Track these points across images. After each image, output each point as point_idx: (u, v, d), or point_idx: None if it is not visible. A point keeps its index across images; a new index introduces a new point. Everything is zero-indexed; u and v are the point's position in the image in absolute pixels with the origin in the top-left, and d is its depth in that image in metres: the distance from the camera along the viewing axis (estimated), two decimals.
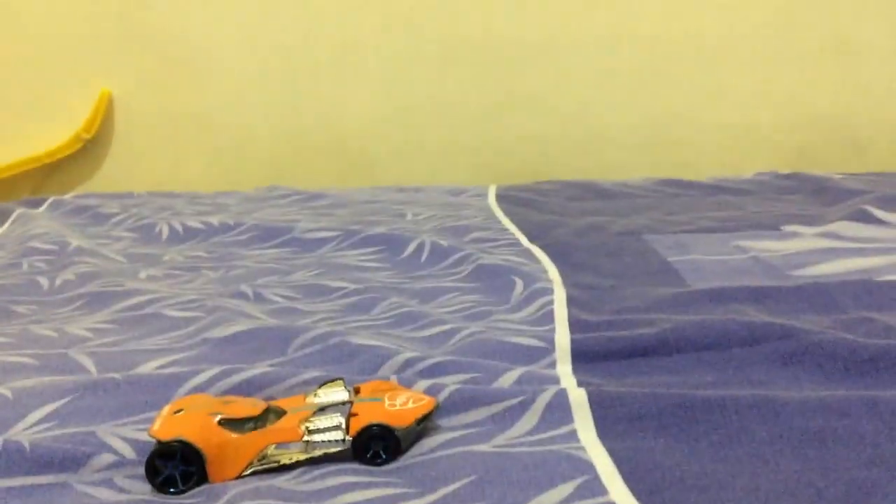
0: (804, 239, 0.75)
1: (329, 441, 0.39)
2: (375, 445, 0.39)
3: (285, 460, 0.39)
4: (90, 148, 1.28)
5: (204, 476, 0.38)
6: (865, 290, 0.59)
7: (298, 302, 0.65)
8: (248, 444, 0.39)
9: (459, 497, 0.35)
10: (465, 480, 0.36)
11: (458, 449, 0.39)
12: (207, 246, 0.83)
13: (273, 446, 0.39)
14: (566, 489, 0.35)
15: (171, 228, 0.89)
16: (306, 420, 0.40)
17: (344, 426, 0.39)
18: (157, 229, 0.89)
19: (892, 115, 1.33)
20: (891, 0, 1.31)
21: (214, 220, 0.89)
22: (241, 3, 1.26)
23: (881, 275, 0.63)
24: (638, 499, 0.34)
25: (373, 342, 0.52)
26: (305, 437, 0.39)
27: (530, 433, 0.41)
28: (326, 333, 0.54)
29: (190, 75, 1.27)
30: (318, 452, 0.39)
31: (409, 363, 0.49)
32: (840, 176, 1.05)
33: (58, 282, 0.72)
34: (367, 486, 0.36)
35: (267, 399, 0.43)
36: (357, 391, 0.43)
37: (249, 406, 0.41)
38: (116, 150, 1.29)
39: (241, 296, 0.66)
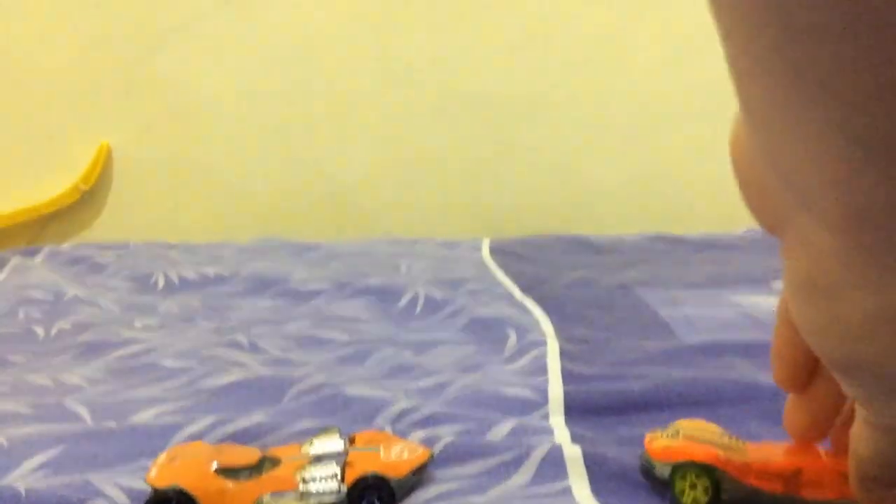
0: None
1: (324, 492, 0.39)
2: (370, 496, 0.39)
3: None
4: (88, 199, 1.29)
5: None
6: None
7: (292, 352, 0.65)
8: (243, 492, 0.39)
9: None
10: None
11: (454, 501, 0.40)
12: (202, 296, 0.84)
13: (268, 495, 0.40)
14: None
15: (167, 278, 0.90)
16: (301, 469, 0.40)
17: (339, 476, 0.39)
18: (152, 279, 0.90)
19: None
20: None
21: (210, 271, 0.90)
22: (239, 59, 1.29)
23: None
24: None
25: (368, 392, 0.52)
26: (300, 487, 0.39)
27: (525, 487, 0.41)
28: (321, 384, 0.54)
29: (188, 128, 1.30)
30: (312, 502, 0.39)
31: (403, 413, 0.49)
32: None
33: (53, 331, 0.73)
34: None
35: (262, 448, 0.44)
36: (352, 441, 0.43)
37: (245, 454, 0.42)
38: (114, 200, 1.30)
39: (236, 346, 0.66)
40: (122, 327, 0.73)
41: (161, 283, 0.89)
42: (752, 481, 0.36)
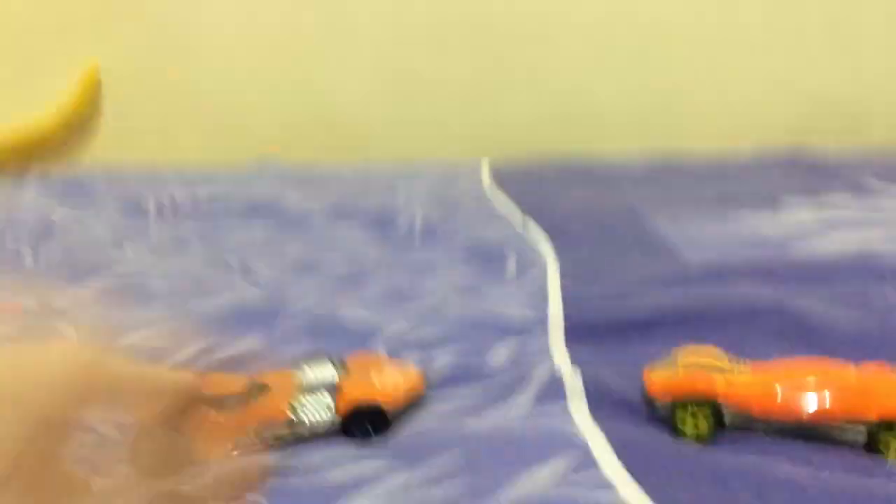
0: (801, 214, 0.74)
1: (317, 422, 0.38)
2: (364, 425, 0.38)
3: (271, 441, 0.38)
4: (78, 123, 1.26)
5: None
6: (864, 264, 0.58)
7: (286, 276, 0.63)
8: (230, 423, 0.38)
9: (448, 471, 0.34)
10: (455, 455, 0.35)
11: (449, 423, 0.38)
12: (195, 221, 0.82)
13: (257, 426, 0.38)
14: (558, 464, 0.34)
15: (159, 203, 0.87)
16: (291, 398, 0.39)
17: (332, 406, 0.38)
18: (144, 204, 0.88)
19: (889, 91, 1.32)
20: None
21: (202, 195, 0.88)
22: None
23: (878, 247, 0.62)
24: (630, 473, 0.33)
25: (362, 315, 0.51)
26: (292, 417, 0.38)
27: (523, 409, 0.40)
28: (314, 306, 0.53)
29: (180, 50, 1.25)
30: (304, 433, 0.38)
31: (399, 336, 0.48)
32: (837, 150, 1.04)
33: (42, 255, 0.71)
34: (356, 458, 0.35)
35: (250, 374, 0.42)
36: (343, 365, 0.42)
37: (232, 383, 0.40)
38: (105, 125, 1.27)
39: (229, 270, 0.65)
40: (112, 251, 0.71)
41: (153, 207, 0.87)
42: (755, 409, 0.35)
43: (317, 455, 0.36)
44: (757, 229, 0.69)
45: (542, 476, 0.33)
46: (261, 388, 0.40)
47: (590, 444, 0.35)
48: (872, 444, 0.34)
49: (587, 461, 0.34)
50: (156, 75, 1.24)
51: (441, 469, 0.34)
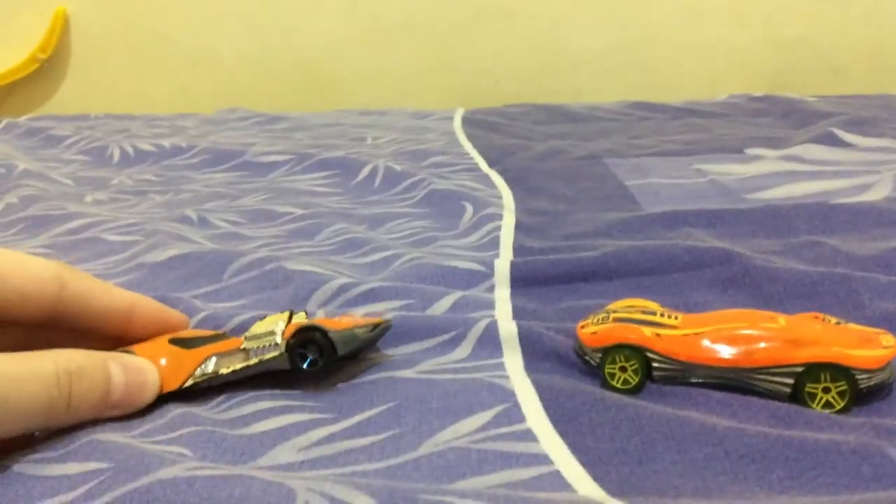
0: (766, 162, 0.73)
1: (265, 346, 0.38)
2: (310, 350, 0.37)
3: (223, 370, 0.38)
4: (46, 69, 1.24)
5: None
6: (820, 213, 0.57)
7: (243, 227, 0.63)
8: (189, 357, 0.38)
9: (374, 423, 0.34)
10: (384, 407, 0.35)
11: (381, 374, 0.38)
12: (157, 169, 0.81)
13: (214, 359, 0.38)
14: (485, 416, 0.34)
15: (123, 151, 0.87)
16: (247, 334, 0.39)
17: (281, 331, 0.38)
18: (108, 152, 0.87)
19: (868, 37, 1.30)
20: None
21: (166, 143, 0.87)
22: None
23: (838, 198, 0.61)
24: (554, 425, 0.33)
25: (308, 268, 0.51)
26: (244, 345, 0.38)
27: (458, 362, 0.40)
28: (262, 259, 0.52)
29: None
30: (254, 360, 0.38)
31: (343, 288, 0.48)
32: (813, 98, 1.03)
33: (0, 206, 0.70)
34: (283, 411, 0.36)
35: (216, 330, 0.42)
36: (306, 315, 0.41)
37: (199, 332, 0.40)
38: (73, 70, 1.25)
39: (186, 220, 0.64)
40: (71, 201, 0.71)
41: (117, 155, 0.86)
42: (682, 357, 0.35)
43: (247, 407, 0.36)
44: (718, 178, 0.68)
45: (467, 428, 0.33)
46: (223, 336, 0.40)
47: (518, 397, 0.35)
48: (798, 395, 0.34)
49: (513, 414, 0.34)
50: (125, 21, 1.22)
51: (366, 420, 0.34)
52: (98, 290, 0.37)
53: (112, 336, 0.38)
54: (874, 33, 1.32)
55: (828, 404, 0.34)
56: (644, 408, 0.34)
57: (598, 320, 0.38)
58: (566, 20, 1.27)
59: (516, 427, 0.33)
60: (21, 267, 0.34)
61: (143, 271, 0.54)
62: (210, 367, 0.38)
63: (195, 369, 0.38)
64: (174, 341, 0.38)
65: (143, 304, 0.38)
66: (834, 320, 0.37)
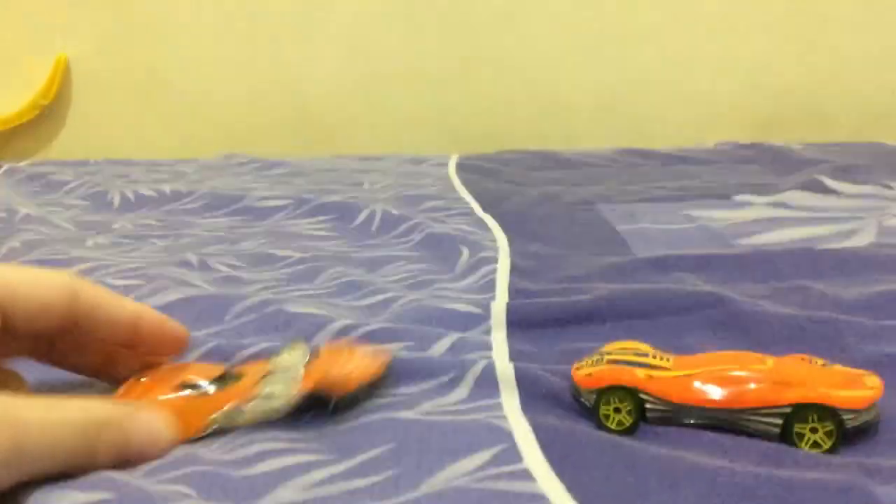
0: (754, 208, 0.75)
1: (270, 409, 0.39)
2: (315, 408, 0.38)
3: (238, 421, 0.39)
4: (48, 114, 1.26)
5: None
6: (806, 259, 0.59)
7: (242, 271, 0.64)
8: (200, 407, 0.39)
9: (376, 463, 0.35)
10: (385, 447, 0.36)
11: (382, 416, 0.39)
12: (158, 214, 0.83)
13: (225, 408, 0.39)
14: (483, 456, 0.35)
15: (123, 196, 0.88)
16: (259, 383, 0.40)
17: (289, 388, 0.39)
18: (109, 197, 0.88)
19: (858, 84, 1.33)
20: None
21: (167, 188, 0.88)
22: None
23: (823, 243, 0.63)
24: (552, 465, 0.34)
25: (309, 310, 0.52)
26: (254, 401, 0.39)
27: (456, 403, 0.41)
28: (263, 302, 0.53)
29: (149, 38, 1.26)
30: (261, 415, 0.39)
31: (344, 331, 0.49)
32: (801, 146, 1.05)
33: (3, 250, 0.71)
34: (285, 452, 0.36)
35: (228, 366, 0.43)
36: (317, 354, 0.43)
37: (208, 370, 0.41)
38: (74, 115, 1.27)
39: (186, 265, 0.65)
40: (73, 246, 0.72)
41: (117, 200, 0.88)
42: (675, 398, 0.36)
43: (253, 447, 0.37)
44: (707, 224, 0.70)
45: (465, 468, 0.34)
46: (235, 376, 0.41)
47: (516, 437, 0.36)
48: (787, 435, 0.35)
49: (511, 454, 0.35)
50: (125, 67, 1.24)
51: (367, 461, 0.35)
52: (107, 299, 0.39)
53: (119, 343, 0.40)
54: (860, 82, 1.35)
55: (815, 444, 0.35)
56: (638, 448, 0.35)
57: (593, 362, 0.39)
58: (557, 68, 1.31)
59: (514, 467, 0.34)
60: (36, 281, 0.36)
61: None
62: (222, 417, 0.39)
63: (207, 419, 0.39)
64: (183, 386, 0.39)
65: (147, 314, 0.40)
66: (820, 362, 0.38)
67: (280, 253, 0.67)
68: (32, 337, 0.37)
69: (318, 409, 0.39)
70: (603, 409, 0.37)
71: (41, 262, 0.67)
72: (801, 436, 0.35)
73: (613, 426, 0.37)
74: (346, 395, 0.39)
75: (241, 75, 1.25)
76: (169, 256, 0.68)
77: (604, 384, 0.37)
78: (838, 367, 0.38)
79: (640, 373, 0.37)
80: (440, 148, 1.15)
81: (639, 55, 1.30)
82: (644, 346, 0.40)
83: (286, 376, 0.39)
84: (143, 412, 0.36)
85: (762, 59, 1.32)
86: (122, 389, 0.40)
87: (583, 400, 0.38)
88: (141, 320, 0.40)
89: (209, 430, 0.38)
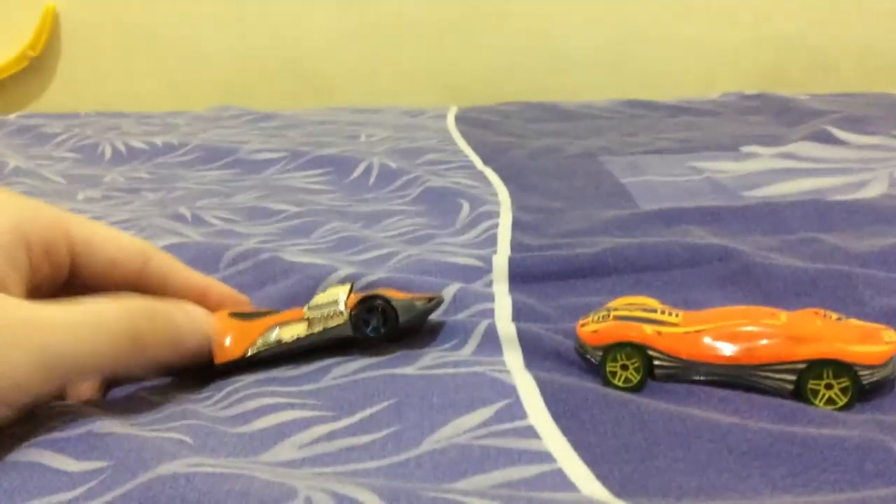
0: (761, 159, 0.73)
1: (327, 315, 0.38)
2: (373, 317, 0.38)
3: (286, 337, 0.38)
4: (36, 66, 1.23)
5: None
6: (815, 210, 0.57)
7: (237, 224, 0.63)
8: (251, 327, 0.39)
9: (376, 420, 0.34)
10: (385, 403, 0.35)
11: (382, 372, 0.38)
12: (150, 167, 0.81)
13: (276, 329, 0.39)
14: (486, 412, 0.34)
15: (115, 149, 0.86)
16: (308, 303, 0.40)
17: (343, 300, 0.38)
18: (100, 149, 0.87)
19: (860, 35, 1.31)
20: None
21: (158, 141, 0.86)
22: None
23: (833, 195, 0.61)
24: (557, 423, 0.33)
25: (306, 260, 0.50)
26: (306, 315, 0.39)
27: (458, 358, 0.39)
28: (257, 249, 0.52)
29: None
30: (318, 328, 0.38)
31: (345, 280, 0.47)
32: (806, 96, 1.03)
33: None
34: (284, 407, 0.35)
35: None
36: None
37: (258, 309, 0.42)
38: (64, 68, 1.24)
39: (179, 218, 0.64)
40: (64, 199, 0.70)
41: (108, 153, 0.86)
42: (684, 354, 0.35)
43: (249, 403, 0.36)
44: (714, 176, 0.68)
45: (468, 424, 0.33)
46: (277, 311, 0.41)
47: (520, 393, 0.35)
48: (801, 391, 0.34)
49: (516, 410, 0.34)
50: (114, 19, 1.21)
51: (368, 418, 0.34)
52: (178, 269, 0.39)
53: None
54: (864, 32, 1.32)
55: (830, 401, 0.34)
56: (646, 405, 0.33)
57: (599, 318, 0.37)
58: (559, 19, 1.27)
59: (518, 423, 0.33)
60: (113, 238, 0.37)
61: None
62: (273, 336, 0.38)
63: (257, 339, 0.38)
64: (234, 315, 0.39)
65: (216, 287, 0.41)
66: (835, 316, 0.37)
67: (275, 207, 0.66)
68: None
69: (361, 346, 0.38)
70: (609, 366, 0.36)
71: None
72: (815, 392, 0.34)
73: (620, 383, 0.36)
74: (403, 300, 0.39)
75: (232, 26, 1.22)
76: (161, 209, 0.66)
77: (611, 340, 0.36)
78: (854, 322, 0.36)
79: (649, 329, 0.36)
80: (439, 101, 1.13)
81: (642, 6, 1.27)
82: (652, 302, 0.39)
83: (334, 303, 0.38)
84: (184, 304, 0.36)
85: (765, 10, 1.29)
86: None
87: (588, 357, 0.37)
88: (209, 290, 0.40)
89: (256, 351, 0.38)
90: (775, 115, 0.94)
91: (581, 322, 0.38)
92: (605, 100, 1.07)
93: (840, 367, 0.34)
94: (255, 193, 0.70)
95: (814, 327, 0.35)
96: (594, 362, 0.37)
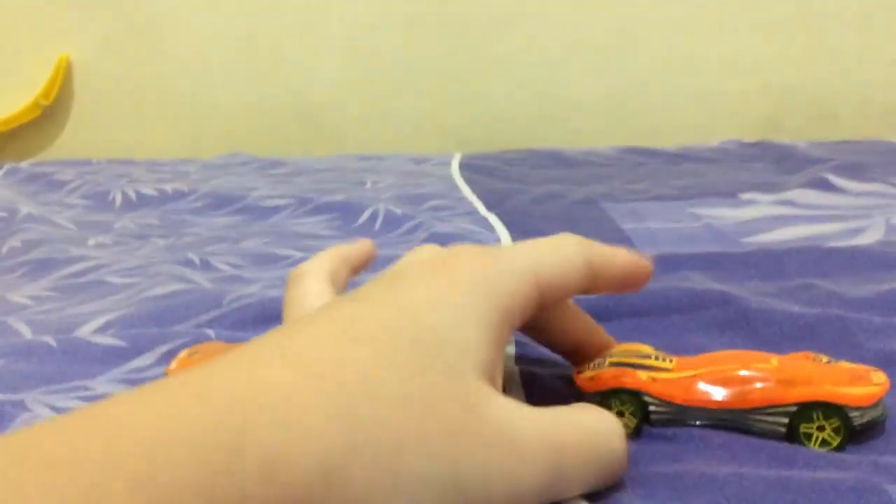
0: (760, 206, 0.74)
1: None
2: None
3: None
4: (49, 114, 1.25)
5: None
6: (812, 257, 0.58)
7: (244, 270, 0.64)
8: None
9: None
10: None
11: None
12: (160, 213, 0.82)
13: None
14: None
15: (125, 196, 0.88)
16: None
17: None
18: (110, 196, 0.88)
19: (859, 82, 1.33)
20: None
21: (168, 188, 0.88)
22: None
23: (830, 241, 0.62)
24: None
25: None
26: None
27: None
28: (263, 295, 0.53)
29: (151, 39, 1.25)
30: None
31: None
32: (805, 144, 1.04)
33: (4, 249, 0.71)
34: None
35: None
36: None
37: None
38: (76, 116, 1.27)
39: (188, 263, 0.65)
40: (74, 245, 0.71)
41: (119, 200, 0.87)
42: (678, 399, 0.36)
43: None
44: (713, 222, 0.70)
45: None
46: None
47: None
48: (794, 434, 0.35)
49: None
50: (127, 68, 1.24)
51: None
52: (611, 254, 0.36)
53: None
54: (863, 80, 1.34)
55: (824, 442, 0.34)
56: (642, 453, 0.34)
57: (595, 365, 0.38)
58: (562, 68, 1.30)
59: None
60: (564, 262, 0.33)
61: (143, 304, 0.54)
62: None
63: None
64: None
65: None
66: (825, 359, 0.37)
67: (281, 252, 0.67)
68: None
69: None
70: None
71: (42, 261, 0.66)
72: (808, 435, 0.35)
73: None
74: None
75: (242, 76, 1.25)
76: (170, 255, 0.68)
77: (607, 387, 0.37)
78: (843, 364, 0.37)
79: (643, 375, 0.36)
80: (443, 149, 1.15)
81: (642, 55, 1.29)
82: (646, 348, 0.39)
83: None
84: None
85: (767, 58, 1.31)
86: (175, 362, 0.40)
87: (587, 402, 0.38)
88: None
89: None
90: (774, 163, 0.95)
91: (577, 369, 0.39)
92: (607, 147, 1.08)
93: (830, 409, 0.34)
94: (263, 239, 0.72)
95: (804, 370, 0.36)
96: None
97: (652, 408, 0.36)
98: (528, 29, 1.28)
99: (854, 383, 0.35)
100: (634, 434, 0.36)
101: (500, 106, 1.29)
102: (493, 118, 1.29)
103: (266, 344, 0.25)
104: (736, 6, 1.30)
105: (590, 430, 0.30)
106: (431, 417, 0.24)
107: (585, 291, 0.35)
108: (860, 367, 0.37)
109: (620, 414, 0.36)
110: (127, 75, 1.24)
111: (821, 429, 0.34)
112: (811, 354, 0.38)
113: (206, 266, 0.65)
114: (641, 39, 1.29)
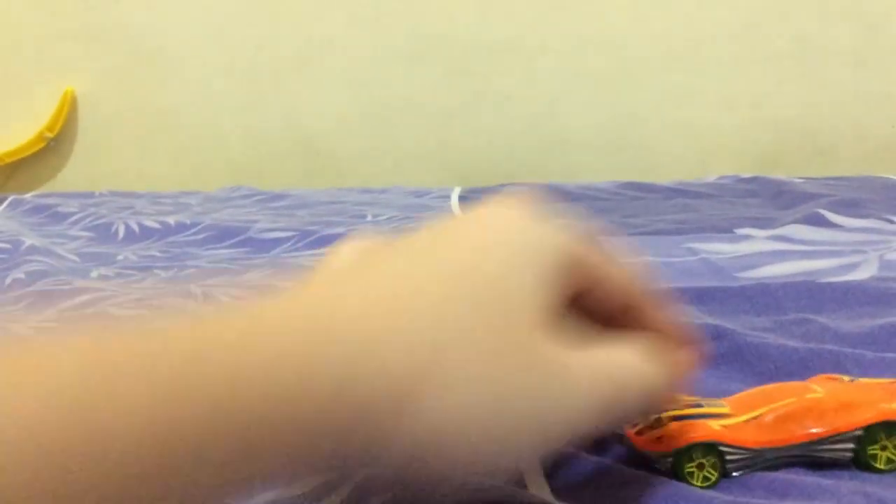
0: (755, 242, 0.75)
1: None
2: None
3: None
4: (54, 147, 1.27)
5: None
6: (807, 292, 0.59)
7: (245, 302, 0.64)
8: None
9: None
10: None
11: None
12: (162, 245, 0.83)
13: None
14: None
15: (128, 228, 0.88)
16: None
17: None
18: (113, 228, 0.89)
19: (855, 117, 1.34)
20: (853, 3, 1.32)
21: (171, 220, 0.89)
22: (207, 2, 1.26)
23: (824, 277, 0.63)
24: None
25: None
26: None
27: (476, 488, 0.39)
28: None
29: (155, 73, 1.27)
30: None
31: None
32: (801, 180, 1.06)
33: (7, 280, 0.72)
34: None
35: None
36: None
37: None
38: (80, 148, 1.28)
39: (190, 295, 0.66)
40: (77, 277, 0.72)
41: (122, 232, 0.88)
42: (751, 443, 0.35)
43: None
44: (709, 257, 0.70)
45: None
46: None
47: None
48: (860, 458, 0.35)
49: None
50: (131, 101, 1.26)
51: None
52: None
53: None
54: (860, 116, 1.36)
55: (889, 461, 0.35)
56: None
57: (651, 424, 0.37)
58: (560, 103, 1.32)
59: None
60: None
61: None
62: None
63: None
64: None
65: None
66: (846, 378, 0.38)
67: (282, 285, 0.68)
68: None
69: None
70: (687, 468, 0.36)
71: (45, 293, 0.67)
72: (874, 457, 0.35)
73: (700, 483, 0.36)
74: None
75: (245, 109, 1.27)
76: (172, 287, 0.68)
77: (682, 444, 0.35)
78: (866, 381, 0.37)
79: (714, 424, 0.36)
80: (444, 182, 1.16)
81: (641, 90, 1.31)
82: (685, 396, 0.39)
83: None
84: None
85: (763, 94, 1.33)
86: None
87: (656, 462, 0.36)
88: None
89: None
90: (770, 198, 0.96)
91: (631, 430, 0.37)
92: (605, 182, 1.10)
93: (891, 428, 0.35)
94: (265, 271, 0.72)
95: (856, 394, 0.36)
96: (664, 467, 0.36)
97: (728, 456, 0.36)
98: (526, 63, 1.30)
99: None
100: (715, 484, 0.35)
101: (499, 140, 1.30)
102: (493, 152, 1.30)
103: (343, 277, 0.27)
104: (733, 42, 1.32)
105: (637, 371, 0.30)
106: (496, 354, 0.25)
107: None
108: (884, 381, 0.37)
109: (700, 466, 0.36)
110: (131, 108, 1.26)
111: (884, 448, 0.35)
112: (833, 376, 0.38)
113: (207, 298, 0.65)
114: (640, 75, 1.31)
